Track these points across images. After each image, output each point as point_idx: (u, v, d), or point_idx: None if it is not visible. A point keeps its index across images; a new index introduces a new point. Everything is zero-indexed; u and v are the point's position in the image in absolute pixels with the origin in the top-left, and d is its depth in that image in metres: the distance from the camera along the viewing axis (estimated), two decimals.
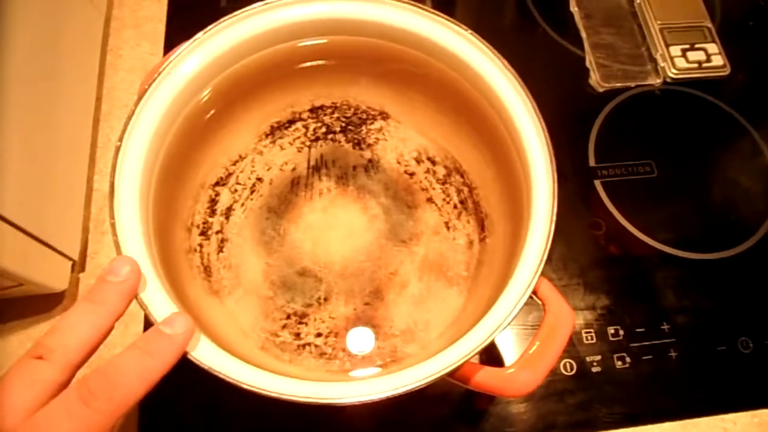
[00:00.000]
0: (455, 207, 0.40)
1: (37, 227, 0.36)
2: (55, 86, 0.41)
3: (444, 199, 0.40)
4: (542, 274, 0.41)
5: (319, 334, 0.37)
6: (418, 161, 0.41)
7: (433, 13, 0.36)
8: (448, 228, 0.40)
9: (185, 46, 0.36)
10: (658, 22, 0.48)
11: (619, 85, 0.47)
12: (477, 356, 0.29)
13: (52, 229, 0.37)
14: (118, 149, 0.31)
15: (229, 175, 0.40)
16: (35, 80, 0.39)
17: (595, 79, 0.47)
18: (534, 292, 0.31)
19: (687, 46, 0.48)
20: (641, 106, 0.47)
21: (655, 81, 0.47)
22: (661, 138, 0.46)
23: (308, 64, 0.40)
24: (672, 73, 0.47)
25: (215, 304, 0.37)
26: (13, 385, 0.22)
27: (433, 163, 0.41)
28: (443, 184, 0.41)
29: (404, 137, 0.42)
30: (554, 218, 0.32)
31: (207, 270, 0.38)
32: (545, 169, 0.34)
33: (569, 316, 0.30)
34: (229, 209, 0.40)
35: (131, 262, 0.27)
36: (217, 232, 0.39)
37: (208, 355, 0.28)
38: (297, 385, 0.28)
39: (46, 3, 0.40)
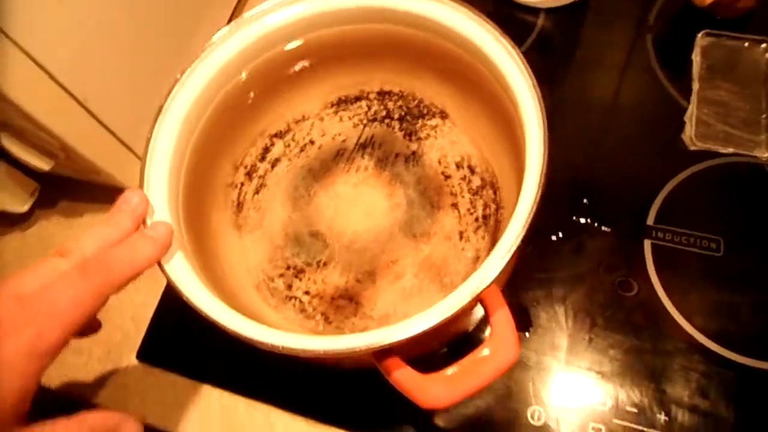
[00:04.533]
0: (476, 220, 0.40)
1: (126, 132, 0.43)
2: None
3: (468, 210, 0.40)
4: (536, 306, 0.39)
5: (307, 293, 0.40)
6: (459, 166, 0.41)
7: (487, 20, 0.35)
8: (461, 237, 0.39)
9: None
10: None
11: (716, 148, 0.42)
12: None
13: (136, 131, 0.44)
14: (176, 81, 0.36)
15: (288, 130, 0.44)
16: None
17: (689, 134, 0.43)
18: (485, 306, 0.30)
19: None
20: (734, 177, 0.42)
21: (763, 154, 0.42)
22: (743, 217, 0.41)
23: (376, 48, 0.41)
24: None
25: (234, 236, 0.41)
26: (35, 267, 0.28)
27: (472, 172, 0.41)
28: (474, 194, 0.40)
29: (455, 140, 0.42)
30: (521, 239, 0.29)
31: (239, 206, 0.42)
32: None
33: (510, 354, 0.29)
34: (277, 160, 0.44)
35: (140, 194, 0.33)
36: (260, 177, 0.43)
37: (181, 275, 0.32)
38: (244, 324, 0.30)
39: None
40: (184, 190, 0.37)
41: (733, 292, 0.39)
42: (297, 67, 0.42)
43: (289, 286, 0.40)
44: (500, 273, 0.29)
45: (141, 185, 0.34)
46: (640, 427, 0.36)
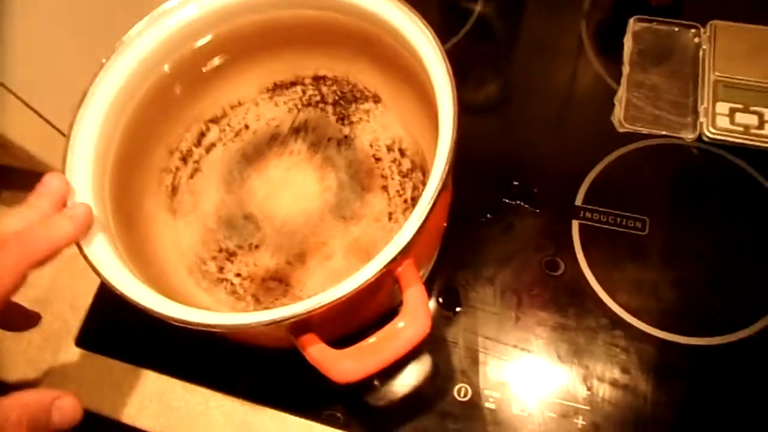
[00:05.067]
0: (405, 201, 0.40)
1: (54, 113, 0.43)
2: None
3: (398, 191, 0.41)
4: (465, 286, 0.40)
5: (238, 275, 0.40)
6: (389, 149, 0.42)
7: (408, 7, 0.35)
8: (390, 218, 0.40)
9: None
10: (716, 73, 0.43)
11: (644, 130, 0.43)
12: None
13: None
14: (101, 66, 0.36)
15: (224, 115, 0.44)
16: None
17: (617, 116, 0.43)
18: (399, 283, 0.30)
19: (740, 107, 0.42)
20: (661, 158, 0.42)
21: (688, 135, 0.42)
22: (668, 197, 0.41)
23: (312, 34, 0.42)
24: (709, 131, 0.42)
25: (168, 220, 0.42)
26: None
27: (402, 154, 0.42)
28: (404, 176, 0.41)
29: (386, 123, 0.43)
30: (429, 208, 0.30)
31: (174, 190, 0.43)
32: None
33: (421, 328, 0.29)
34: (212, 145, 0.44)
35: (60, 177, 0.33)
36: (195, 161, 0.43)
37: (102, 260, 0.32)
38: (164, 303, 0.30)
39: None
40: (112, 175, 0.37)
41: (655, 270, 0.40)
42: (217, 61, 0.42)
43: (221, 269, 0.40)
44: (413, 244, 0.29)
45: (63, 169, 0.34)
46: (563, 401, 0.37)
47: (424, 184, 0.40)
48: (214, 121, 0.44)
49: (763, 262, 0.39)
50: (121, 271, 0.32)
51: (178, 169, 0.43)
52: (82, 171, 0.35)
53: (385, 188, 0.41)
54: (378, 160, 0.42)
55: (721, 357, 0.37)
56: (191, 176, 0.43)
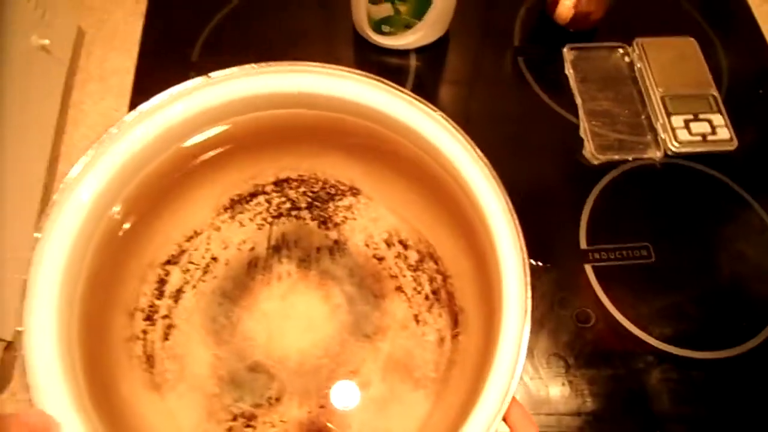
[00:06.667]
0: (427, 298, 0.36)
1: None
2: (1, 150, 0.38)
3: (415, 288, 0.37)
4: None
5: None
6: (389, 244, 0.38)
7: (401, 91, 0.33)
8: (417, 322, 0.36)
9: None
10: (660, 89, 0.45)
11: (616, 157, 0.44)
12: None
13: None
14: (35, 245, 0.28)
15: (182, 252, 0.37)
16: None
17: (589, 149, 0.43)
18: (503, 419, 0.27)
19: (690, 117, 0.44)
20: (639, 181, 0.43)
21: (656, 154, 0.44)
22: (660, 218, 0.42)
23: (271, 136, 0.37)
24: (673, 146, 0.43)
25: (154, 401, 0.34)
26: None
27: (405, 246, 0.38)
28: (415, 270, 0.37)
29: (375, 216, 0.38)
30: (528, 319, 0.28)
31: (149, 360, 0.34)
32: (515, 258, 0.31)
33: None
34: (179, 291, 0.36)
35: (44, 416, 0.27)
36: (164, 317, 0.36)
37: None
38: None
39: None
40: (83, 367, 0.29)
41: (674, 292, 0.40)
42: (166, 181, 0.35)
43: None
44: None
45: (26, 371, 0.26)
46: None
47: (439, 272, 0.37)
48: (172, 262, 0.37)
49: (753, 258, 0.41)
50: None
51: (145, 332, 0.35)
52: (49, 380, 0.27)
53: (399, 289, 0.37)
54: (381, 259, 0.37)
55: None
56: (165, 337, 0.35)
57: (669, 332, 0.39)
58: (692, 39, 0.47)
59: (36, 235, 0.29)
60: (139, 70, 0.47)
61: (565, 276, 0.40)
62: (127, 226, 0.35)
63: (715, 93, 0.45)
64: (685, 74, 0.45)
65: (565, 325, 0.39)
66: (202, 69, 0.47)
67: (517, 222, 0.30)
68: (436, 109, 0.31)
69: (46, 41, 0.39)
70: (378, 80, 0.32)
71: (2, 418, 0.26)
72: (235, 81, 0.34)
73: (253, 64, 0.34)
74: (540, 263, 0.41)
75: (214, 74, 0.33)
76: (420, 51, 0.49)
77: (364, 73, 0.32)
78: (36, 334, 0.27)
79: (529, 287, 0.29)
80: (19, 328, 0.27)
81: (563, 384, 0.38)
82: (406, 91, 0.31)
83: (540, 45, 0.49)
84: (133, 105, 0.45)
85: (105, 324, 0.34)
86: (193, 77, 0.34)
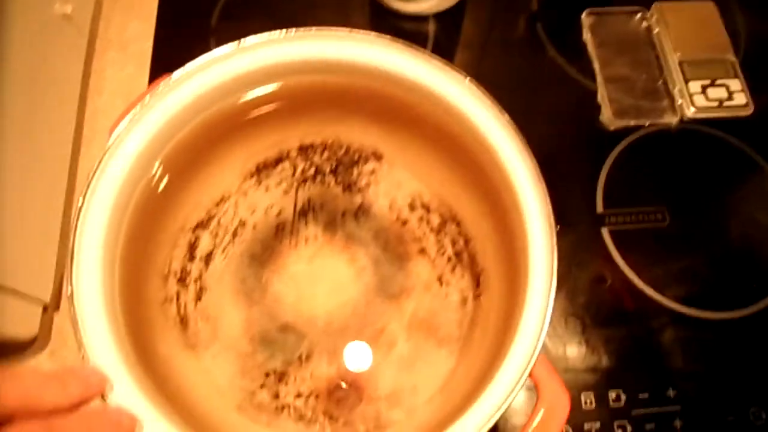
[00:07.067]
0: (449, 260, 0.37)
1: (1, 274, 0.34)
2: (31, 116, 0.39)
3: (438, 251, 0.38)
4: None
5: (299, 395, 0.35)
6: (412, 208, 0.39)
7: (429, 55, 0.33)
8: (441, 283, 0.37)
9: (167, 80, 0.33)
10: (678, 53, 0.45)
11: (632, 122, 0.44)
12: None
13: (20, 273, 0.35)
14: (79, 210, 0.29)
15: (211, 217, 0.38)
16: (10, 111, 0.37)
17: (606, 115, 0.44)
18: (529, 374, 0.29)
19: (707, 82, 0.44)
20: (655, 146, 0.44)
21: (672, 119, 0.44)
22: (675, 182, 0.43)
23: (295, 102, 0.37)
24: (690, 111, 0.44)
25: (190, 359, 0.35)
26: None
27: (428, 210, 0.39)
28: (437, 233, 0.38)
29: (398, 181, 0.39)
30: (554, 282, 0.30)
31: (183, 321, 0.36)
32: (543, 223, 0.32)
33: (564, 405, 0.28)
34: (209, 255, 0.38)
35: (100, 375, 0.28)
36: (195, 280, 0.37)
37: None
38: None
39: (19, 25, 0.38)
40: (125, 327, 0.31)
41: (688, 255, 0.41)
42: (195, 149, 0.36)
43: (276, 395, 0.35)
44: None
45: (75, 331, 0.27)
46: (654, 410, 0.37)
47: (461, 235, 0.38)
48: (201, 226, 0.38)
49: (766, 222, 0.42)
50: None
51: (179, 295, 0.36)
52: (97, 334, 0.28)
53: (423, 251, 0.38)
54: (404, 223, 0.38)
55: None
56: (198, 299, 0.36)
57: (682, 293, 0.40)
58: (711, 3, 0.47)
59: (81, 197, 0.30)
60: (157, 37, 0.47)
61: (583, 239, 0.41)
62: (161, 188, 0.36)
63: (733, 58, 0.45)
64: (704, 39, 0.45)
65: (582, 286, 0.40)
66: (221, 35, 0.47)
67: (545, 190, 0.31)
68: (466, 75, 0.32)
69: (69, 9, 0.39)
70: (408, 45, 0.32)
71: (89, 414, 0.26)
72: (265, 48, 0.34)
73: (280, 30, 0.34)
74: (558, 226, 0.41)
75: (247, 40, 0.34)
76: (438, 17, 0.49)
77: (391, 37, 0.33)
78: (84, 296, 0.29)
79: (555, 252, 0.30)
80: (68, 289, 0.28)
81: (580, 343, 0.39)
82: (435, 56, 0.32)
83: (558, 10, 0.49)
84: (153, 72, 0.46)
85: (141, 287, 0.35)
86: (212, 44, 0.35)
